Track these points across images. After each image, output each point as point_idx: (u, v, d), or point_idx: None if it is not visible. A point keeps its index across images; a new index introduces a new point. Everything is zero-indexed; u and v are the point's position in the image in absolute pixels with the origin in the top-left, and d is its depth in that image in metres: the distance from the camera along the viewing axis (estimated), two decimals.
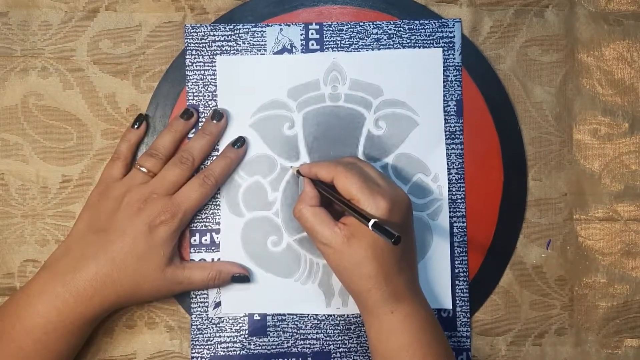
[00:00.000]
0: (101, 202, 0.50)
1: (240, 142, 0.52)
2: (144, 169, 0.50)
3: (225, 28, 0.54)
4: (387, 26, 0.54)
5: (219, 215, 0.53)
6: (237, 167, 0.53)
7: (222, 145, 0.53)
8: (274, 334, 0.53)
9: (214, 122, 0.52)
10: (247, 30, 0.54)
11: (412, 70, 0.54)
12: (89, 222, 0.49)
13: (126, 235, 0.47)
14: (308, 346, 0.53)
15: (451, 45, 0.54)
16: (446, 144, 0.54)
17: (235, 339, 0.53)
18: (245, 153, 0.53)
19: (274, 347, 0.53)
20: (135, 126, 0.53)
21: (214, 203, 0.53)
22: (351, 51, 0.54)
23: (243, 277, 0.52)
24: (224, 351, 0.53)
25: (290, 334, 0.53)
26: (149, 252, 0.48)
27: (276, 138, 0.54)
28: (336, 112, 0.54)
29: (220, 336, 0.53)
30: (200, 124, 0.53)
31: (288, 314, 0.54)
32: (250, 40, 0.54)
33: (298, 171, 0.52)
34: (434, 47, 0.54)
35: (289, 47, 0.54)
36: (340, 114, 0.54)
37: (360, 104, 0.54)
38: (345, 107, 0.54)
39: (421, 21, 0.54)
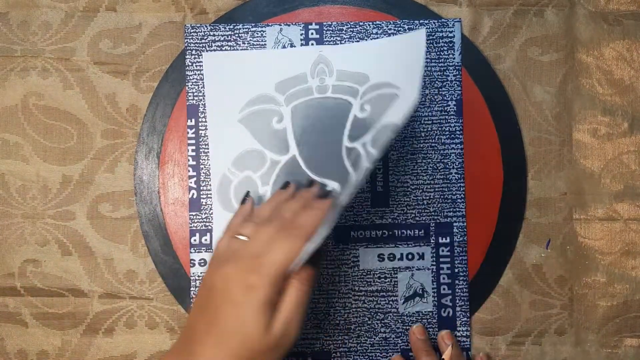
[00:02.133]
0: None
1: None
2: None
3: (225, 28, 0.54)
4: (387, 26, 0.54)
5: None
6: None
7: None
8: None
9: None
10: (247, 30, 0.54)
11: (398, 54, 0.53)
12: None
13: None
14: (308, 346, 0.53)
15: (451, 45, 0.54)
16: (446, 143, 0.54)
17: None
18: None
19: None
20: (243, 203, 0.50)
21: (207, 200, 0.53)
22: (337, 44, 0.54)
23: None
24: None
25: None
26: None
27: (265, 132, 0.54)
28: (324, 103, 0.54)
29: None
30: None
31: None
32: (250, 40, 0.54)
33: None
34: (434, 46, 0.54)
35: (288, 47, 0.54)
36: (328, 105, 0.54)
37: (348, 92, 0.54)
38: (333, 98, 0.54)
39: (421, 21, 0.54)
